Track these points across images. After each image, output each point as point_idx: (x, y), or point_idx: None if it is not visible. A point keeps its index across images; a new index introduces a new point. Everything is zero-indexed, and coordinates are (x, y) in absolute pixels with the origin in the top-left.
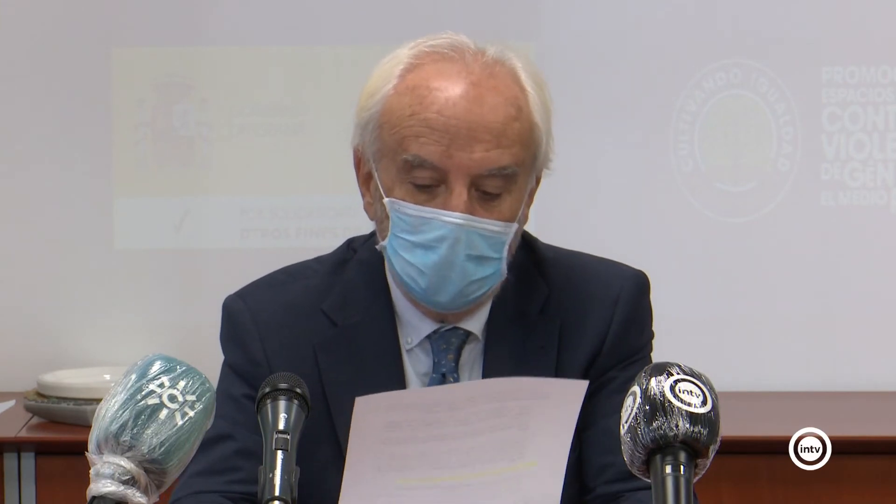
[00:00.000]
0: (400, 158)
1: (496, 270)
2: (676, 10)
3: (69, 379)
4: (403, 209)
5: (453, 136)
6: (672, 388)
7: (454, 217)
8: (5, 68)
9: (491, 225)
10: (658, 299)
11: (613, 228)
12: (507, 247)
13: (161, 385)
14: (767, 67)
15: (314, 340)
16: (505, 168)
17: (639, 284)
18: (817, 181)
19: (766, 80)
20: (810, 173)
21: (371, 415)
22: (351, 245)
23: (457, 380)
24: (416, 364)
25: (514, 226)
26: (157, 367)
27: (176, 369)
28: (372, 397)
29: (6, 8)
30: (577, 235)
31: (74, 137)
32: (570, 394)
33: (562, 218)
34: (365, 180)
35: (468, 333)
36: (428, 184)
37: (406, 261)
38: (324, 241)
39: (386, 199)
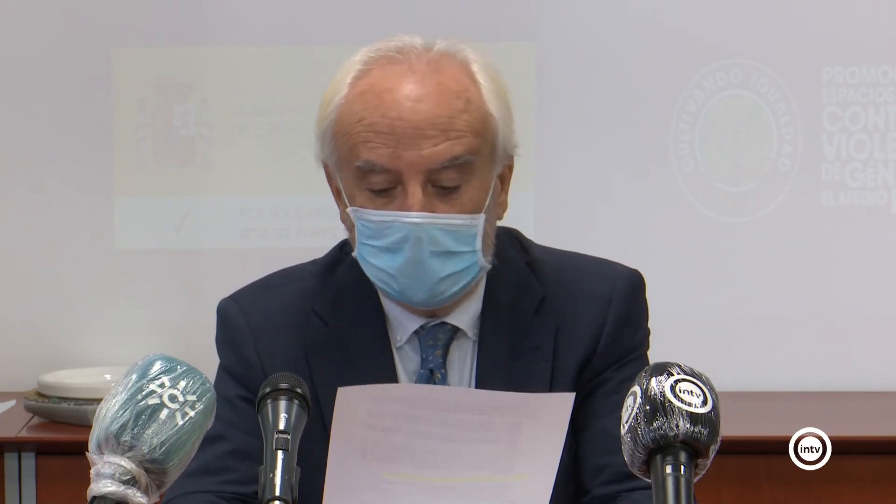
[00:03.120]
0: (354, 166)
1: (470, 264)
2: (676, 11)
3: (69, 379)
4: (365, 216)
5: (399, 137)
6: (672, 388)
7: (411, 217)
8: (5, 68)
9: (453, 219)
10: (658, 299)
11: (613, 228)
12: (478, 239)
13: (161, 385)
14: (767, 67)
15: (306, 341)
16: (457, 158)
17: (633, 283)
18: (818, 181)
19: (766, 80)
20: (811, 173)
21: (353, 404)
22: (344, 247)
23: (444, 375)
24: (405, 362)
25: (482, 216)
26: (157, 367)
27: (176, 369)
28: (354, 388)
29: (6, 8)
30: (577, 235)
31: (74, 137)
32: (558, 408)
33: (562, 218)
34: (336, 192)
35: (456, 329)
36: (384, 187)
37: (375, 266)
38: (324, 241)
39: (349, 209)
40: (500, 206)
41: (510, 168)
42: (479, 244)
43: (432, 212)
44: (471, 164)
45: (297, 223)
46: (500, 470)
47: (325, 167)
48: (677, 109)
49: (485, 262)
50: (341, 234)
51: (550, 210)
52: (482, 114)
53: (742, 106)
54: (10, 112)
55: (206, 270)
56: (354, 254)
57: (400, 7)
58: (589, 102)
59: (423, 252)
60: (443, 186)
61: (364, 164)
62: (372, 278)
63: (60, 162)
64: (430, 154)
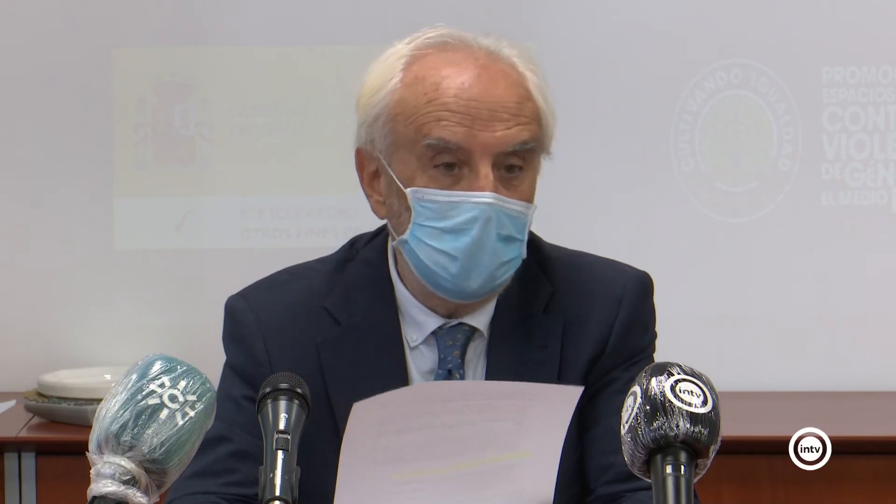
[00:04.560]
0: (420, 145)
1: (519, 254)
2: (677, 11)
3: (69, 379)
4: (429, 196)
5: (474, 117)
6: (673, 388)
7: (485, 197)
8: (6, 68)
9: (516, 205)
10: (658, 299)
11: (614, 228)
12: (527, 229)
13: (162, 385)
14: (767, 67)
15: (317, 339)
16: (526, 143)
17: (642, 285)
18: (818, 181)
19: (766, 80)
20: (811, 173)
21: (366, 418)
22: (354, 245)
23: (462, 376)
24: (419, 362)
25: (534, 207)
26: (157, 367)
27: (176, 369)
28: (368, 402)
29: (6, 8)
30: (577, 235)
31: (74, 137)
32: (564, 399)
33: (562, 217)
34: (370, 180)
35: (474, 329)
36: (451, 162)
37: (434, 248)
38: (325, 240)
39: (408, 190)
40: None
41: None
42: (527, 234)
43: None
44: (533, 151)
45: (297, 223)
46: (504, 447)
47: (360, 154)
48: (677, 109)
49: (525, 254)
50: (341, 234)
51: (550, 209)
52: (538, 106)
53: (742, 106)
54: (11, 112)
55: (206, 270)
56: (397, 242)
57: (400, 7)
58: (589, 102)
59: (492, 233)
60: (507, 172)
61: (437, 142)
62: (426, 262)
63: (60, 162)
64: (503, 136)
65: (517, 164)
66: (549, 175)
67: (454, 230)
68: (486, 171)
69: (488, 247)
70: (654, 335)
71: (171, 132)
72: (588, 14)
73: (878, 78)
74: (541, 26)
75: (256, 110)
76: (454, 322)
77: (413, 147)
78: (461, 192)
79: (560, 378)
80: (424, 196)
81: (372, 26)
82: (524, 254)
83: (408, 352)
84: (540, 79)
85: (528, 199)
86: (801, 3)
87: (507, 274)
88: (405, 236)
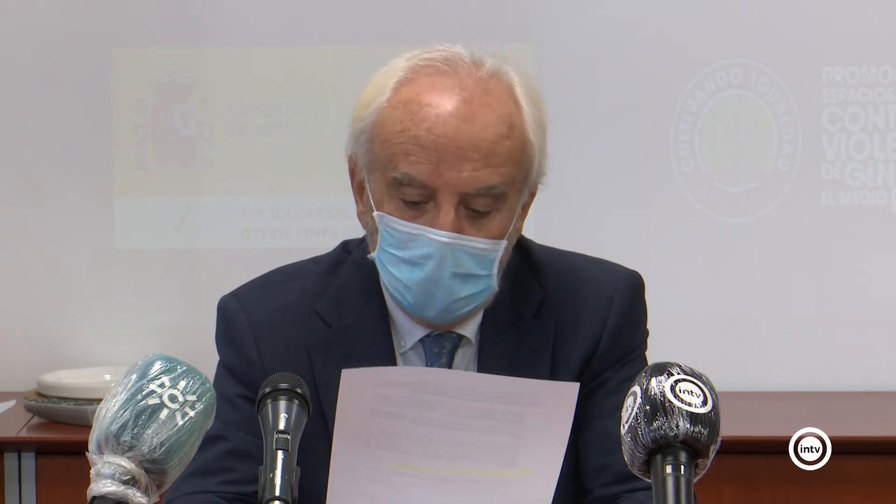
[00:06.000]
0: (389, 175)
1: (485, 287)
2: (677, 11)
3: (69, 379)
4: (392, 224)
5: (442, 155)
6: (672, 388)
7: (440, 235)
8: (6, 68)
9: (479, 243)
10: (658, 299)
11: (614, 229)
12: (496, 264)
13: (161, 385)
14: (767, 67)
15: (308, 341)
16: (494, 187)
17: (632, 284)
18: (818, 181)
19: (766, 80)
20: (811, 173)
21: (358, 388)
22: (346, 247)
23: None
24: (409, 366)
25: (504, 243)
26: (157, 367)
27: (176, 369)
28: (358, 371)
29: (7, 8)
30: (577, 236)
31: (74, 137)
32: (562, 397)
33: (562, 218)
34: (358, 189)
35: (461, 337)
36: (417, 200)
37: (393, 275)
38: (324, 241)
39: (375, 213)
40: (516, 231)
41: (533, 196)
42: (496, 269)
43: (460, 233)
44: (504, 194)
45: (297, 223)
46: (503, 463)
47: (352, 162)
48: (677, 109)
49: (496, 286)
50: (341, 234)
51: (550, 210)
52: (522, 141)
53: (742, 106)
54: (11, 112)
55: (206, 270)
56: (371, 256)
57: (400, 7)
58: (589, 103)
59: (445, 271)
60: (474, 210)
61: (402, 177)
62: (387, 285)
63: (60, 162)
64: (469, 178)
65: (483, 210)
66: (549, 175)
67: (411, 262)
68: (447, 209)
69: (442, 283)
70: (646, 334)
71: (171, 132)
72: (587, 14)
73: (878, 78)
74: (540, 27)
75: (256, 110)
76: (441, 330)
77: (384, 173)
78: (420, 226)
79: (552, 380)
80: (389, 223)
81: (372, 26)
82: (494, 287)
83: (398, 356)
84: (539, 111)
85: (497, 236)
86: (801, 3)
87: (468, 307)
88: (374, 255)
